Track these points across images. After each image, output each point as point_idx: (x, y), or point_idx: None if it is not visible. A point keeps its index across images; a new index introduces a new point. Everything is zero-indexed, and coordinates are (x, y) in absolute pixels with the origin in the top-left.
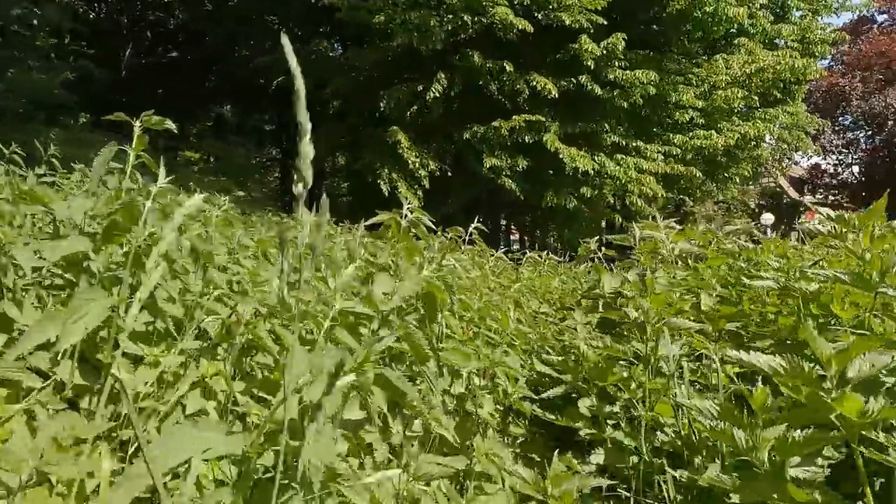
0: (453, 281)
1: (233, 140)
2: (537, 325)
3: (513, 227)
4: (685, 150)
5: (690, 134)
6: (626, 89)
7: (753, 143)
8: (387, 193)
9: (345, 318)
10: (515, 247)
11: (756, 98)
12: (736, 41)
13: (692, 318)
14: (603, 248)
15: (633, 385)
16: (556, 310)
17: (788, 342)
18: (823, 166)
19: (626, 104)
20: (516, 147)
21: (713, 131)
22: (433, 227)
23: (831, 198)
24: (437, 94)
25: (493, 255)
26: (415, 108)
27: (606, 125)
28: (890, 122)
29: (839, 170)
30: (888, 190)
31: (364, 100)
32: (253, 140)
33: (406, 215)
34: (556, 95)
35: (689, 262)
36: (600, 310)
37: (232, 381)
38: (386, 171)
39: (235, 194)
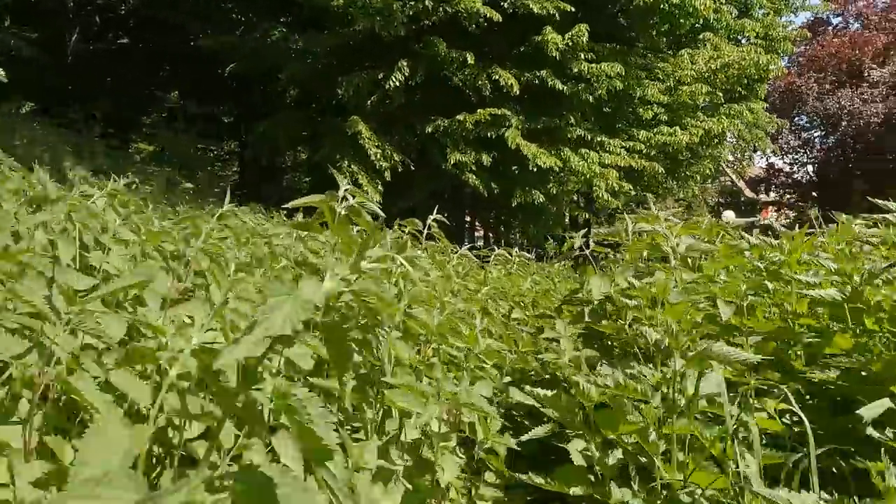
0: (404, 288)
1: (189, 131)
2: (511, 336)
3: (477, 223)
4: (649, 146)
5: (655, 130)
6: (591, 83)
7: (716, 140)
8: (347, 186)
9: (206, 358)
10: (480, 243)
11: (720, 94)
12: (701, 36)
13: (711, 332)
14: (585, 246)
15: (653, 436)
16: (530, 316)
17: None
18: (779, 165)
19: (591, 98)
20: (481, 142)
21: (677, 127)
22: (381, 215)
23: (787, 196)
24: (399, 83)
25: (456, 253)
26: (375, 97)
27: (571, 119)
28: (843, 123)
29: (794, 169)
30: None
31: (322, 87)
32: (211, 132)
33: (344, 199)
34: (518, 91)
35: (689, 261)
36: (587, 319)
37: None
38: (346, 162)
39: (184, 186)
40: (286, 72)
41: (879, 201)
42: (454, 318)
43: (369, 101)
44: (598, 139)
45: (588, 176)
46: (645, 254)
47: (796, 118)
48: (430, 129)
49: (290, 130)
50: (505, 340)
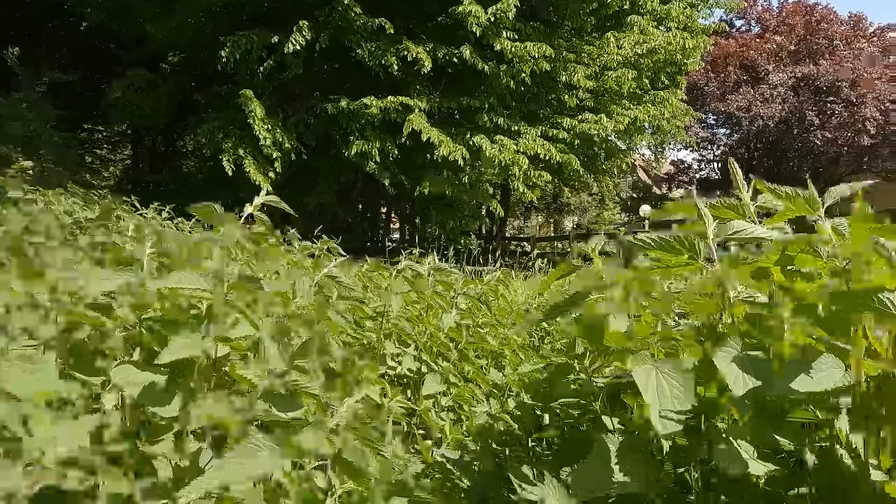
0: None
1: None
2: None
3: (395, 216)
4: (572, 135)
5: (579, 118)
6: (514, 65)
7: (641, 129)
8: (230, 173)
9: None
10: (395, 235)
11: (646, 82)
12: (628, 19)
13: None
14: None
15: None
16: None
17: None
18: (688, 161)
19: (511, 83)
20: (388, 127)
21: (603, 115)
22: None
23: (697, 193)
24: (299, 47)
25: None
26: (268, 65)
27: (489, 104)
28: (745, 122)
29: (701, 166)
30: None
31: (204, 51)
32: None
33: None
34: (430, 68)
35: None
36: None
37: None
38: (230, 145)
39: (21, 165)
40: (151, 26)
41: None
42: None
43: (260, 70)
44: (516, 127)
45: (504, 164)
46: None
47: (705, 116)
48: (332, 111)
49: (158, 102)
50: None
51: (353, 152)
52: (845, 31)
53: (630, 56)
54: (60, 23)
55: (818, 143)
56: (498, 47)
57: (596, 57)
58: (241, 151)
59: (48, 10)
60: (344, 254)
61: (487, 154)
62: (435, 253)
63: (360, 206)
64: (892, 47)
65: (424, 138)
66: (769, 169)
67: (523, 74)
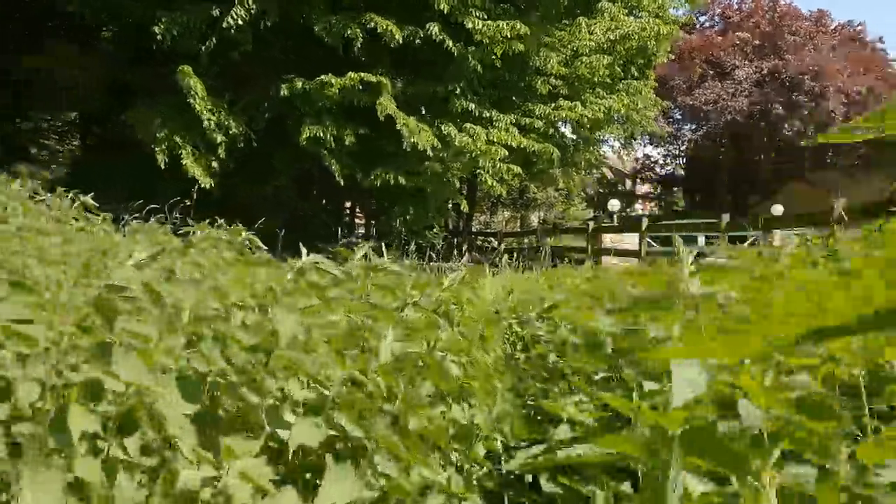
0: None
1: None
2: None
3: (359, 210)
4: (546, 124)
5: (553, 105)
6: (484, 46)
7: (611, 119)
8: (163, 165)
9: None
10: (361, 231)
11: (619, 69)
12: (599, 5)
13: None
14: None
15: None
16: None
17: None
18: (654, 157)
19: (480, 66)
20: (346, 112)
21: (578, 103)
22: None
23: (661, 189)
24: (242, 21)
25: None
26: (212, 42)
27: (458, 88)
28: (712, 116)
29: (668, 160)
30: None
31: (139, 28)
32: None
33: None
34: (401, 41)
35: None
36: None
37: None
38: (165, 133)
39: None
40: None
41: None
42: None
43: (203, 48)
44: (488, 114)
45: (474, 155)
46: None
47: (671, 110)
48: (285, 92)
49: (93, 84)
50: None
51: (304, 137)
52: (808, 27)
53: (602, 42)
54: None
55: (787, 135)
56: (469, 25)
57: (567, 43)
58: (177, 139)
59: None
60: (262, 245)
61: (457, 143)
62: (395, 249)
63: (324, 201)
64: (851, 42)
65: (399, 125)
66: (735, 163)
67: (494, 57)
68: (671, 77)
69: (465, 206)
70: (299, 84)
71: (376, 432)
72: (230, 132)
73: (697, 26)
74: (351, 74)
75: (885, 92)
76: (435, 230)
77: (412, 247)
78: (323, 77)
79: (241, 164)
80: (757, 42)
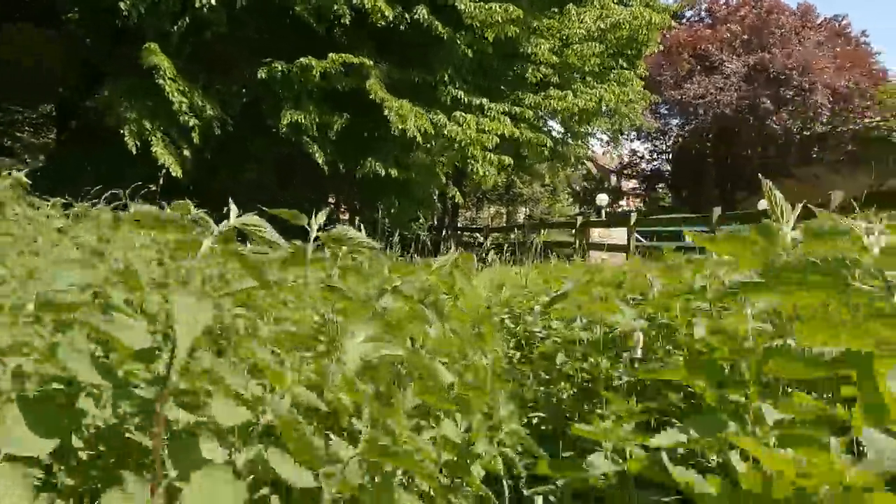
0: None
1: None
2: None
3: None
4: (536, 114)
5: (543, 94)
6: (475, 30)
7: (598, 111)
8: (134, 150)
9: None
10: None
11: (610, 60)
12: None
13: None
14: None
15: None
16: None
17: None
18: (641, 152)
19: (470, 51)
20: (330, 97)
21: (569, 92)
22: None
23: (647, 184)
24: (213, 2)
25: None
26: (185, 20)
27: (447, 75)
28: (700, 111)
29: (654, 156)
30: None
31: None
32: None
33: None
34: (391, 18)
35: None
36: None
37: None
38: (134, 114)
39: None
40: None
41: None
42: None
43: (175, 27)
44: (478, 102)
45: (464, 143)
46: None
47: (658, 105)
48: (263, 75)
49: (58, 67)
50: None
51: (284, 123)
52: (794, 22)
53: (593, 31)
54: None
55: (775, 129)
56: (461, 7)
57: (557, 31)
58: (146, 123)
59: None
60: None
61: (446, 132)
62: (378, 240)
63: (309, 192)
64: (837, 37)
65: (388, 111)
66: (722, 158)
67: (485, 41)
68: (659, 72)
69: (457, 197)
70: (278, 67)
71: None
72: (204, 115)
73: (684, 21)
74: (332, 56)
75: (871, 88)
76: (420, 221)
77: (396, 238)
78: (303, 59)
79: (217, 150)
80: (745, 36)
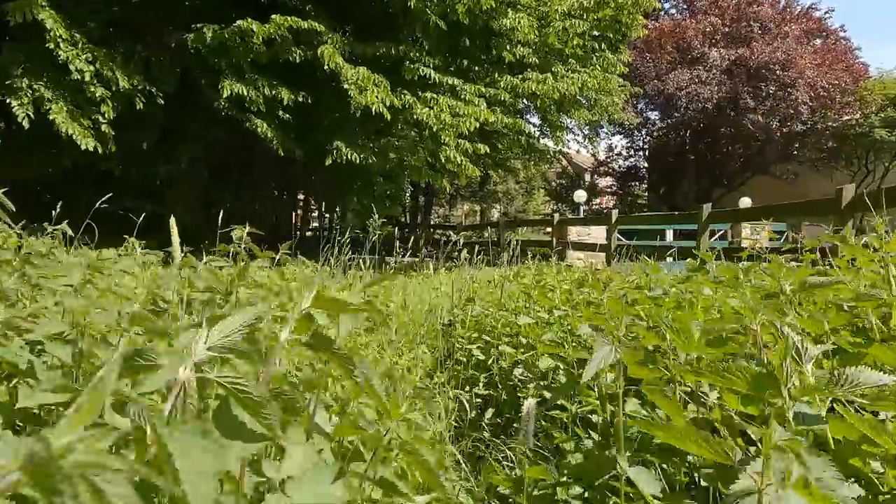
0: None
1: None
2: None
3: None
4: (515, 97)
5: (521, 76)
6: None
7: (578, 101)
8: (26, 124)
9: None
10: (309, 234)
11: (593, 42)
12: None
13: None
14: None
15: None
16: None
17: None
18: (617, 149)
19: (443, 22)
20: (279, 69)
21: (549, 74)
22: None
23: (623, 181)
24: None
25: None
26: None
27: (414, 50)
28: (682, 104)
29: (630, 152)
30: None
31: None
32: None
33: None
34: None
35: None
36: None
37: None
38: (26, 81)
39: None
40: None
41: None
42: None
43: None
44: (450, 82)
45: (435, 128)
46: None
47: (637, 100)
48: (195, 43)
49: None
50: None
51: (223, 97)
52: (774, 14)
53: (575, 9)
54: None
55: (752, 126)
56: None
57: (534, 10)
58: (45, 92)
59: None
60: None
61: (416, 114)
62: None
63: (273, 185)
64: (816, 30)
65: (346, 81)
66: (701, 155)
67: (458, 11)
68: (640, 63)
69: (442, 182)
70: (209, 34)
71: None
72: (121, 88)
73: (663, 13)
74: (277, 19)
75: (851, 84)
76: (375, 217)
77: (346, 239)
78: (241, 23)
79: (163, 137)
80: (726, 28)
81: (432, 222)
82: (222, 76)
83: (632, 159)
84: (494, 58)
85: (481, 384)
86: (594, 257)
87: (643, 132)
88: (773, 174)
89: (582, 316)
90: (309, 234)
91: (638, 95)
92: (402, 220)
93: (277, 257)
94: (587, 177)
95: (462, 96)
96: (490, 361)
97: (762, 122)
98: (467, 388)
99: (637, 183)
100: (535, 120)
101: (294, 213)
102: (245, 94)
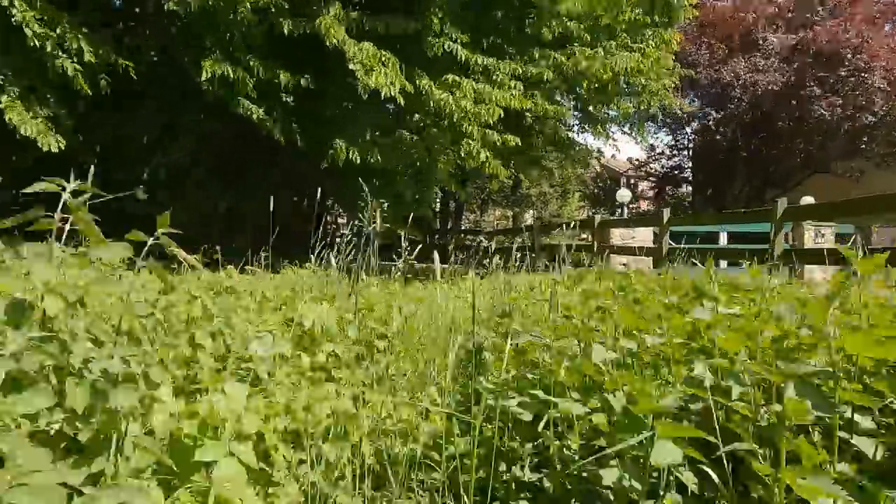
0: None
1: None
2: None
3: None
4: (561, 77)
5: (562, 51)
6: None
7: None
8: None
9: None
10: (346, 231)
11: (646, 17)
12: None
13: None
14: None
15: None
16: None
17: None
18: (659, 147)
19: None
20: (277, 46)
21: (599, 49)
22: None
23: (666, 183)
24: None
25: None
26: None
27: (437, 23)
28: (737, 94)
29: (674, 152)
30: None
31: None
32: None
33: None
34: None
35: None
36: None
37: None
38: None
39: None
40: None
41: None
42: None
43: None
44: (479, 61)
45: (457, 116)
46: None
47: (687, 92)
48: (173, 6)
49: None
50: None
51: (204, 78)
52: None
53: None
54: None
55: (823, 113)
56: None
57: None
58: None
59: None
60: None
61: (434, 101)
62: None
63: (295, 188)
64: (888, 13)
65: (349, 61)
66: (754, 152)
67: None
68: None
69: (460, 193)
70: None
71: None
72: (84, 59)
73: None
74: None
75: None
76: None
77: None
78: None
79: (126, 113)
80: (789, 14)
81: (463, 227)
82: (206, 53)
83: (675, 159)
84: (530, 34)
85: (527, 463)
86: (639, 262)
87: (688, 129)
88: (835, 172)
89: None
90: (338, 238)
91: (692, 78)
92: (434, 226)
93: None
94: (623, 182)
95: (495, 77)
96: (541, 426)
97: (829, 112)
98: (503, 467)
99: (678, 185)
100: (575, 113)
101: (315, 215)
102: (229, 73)
